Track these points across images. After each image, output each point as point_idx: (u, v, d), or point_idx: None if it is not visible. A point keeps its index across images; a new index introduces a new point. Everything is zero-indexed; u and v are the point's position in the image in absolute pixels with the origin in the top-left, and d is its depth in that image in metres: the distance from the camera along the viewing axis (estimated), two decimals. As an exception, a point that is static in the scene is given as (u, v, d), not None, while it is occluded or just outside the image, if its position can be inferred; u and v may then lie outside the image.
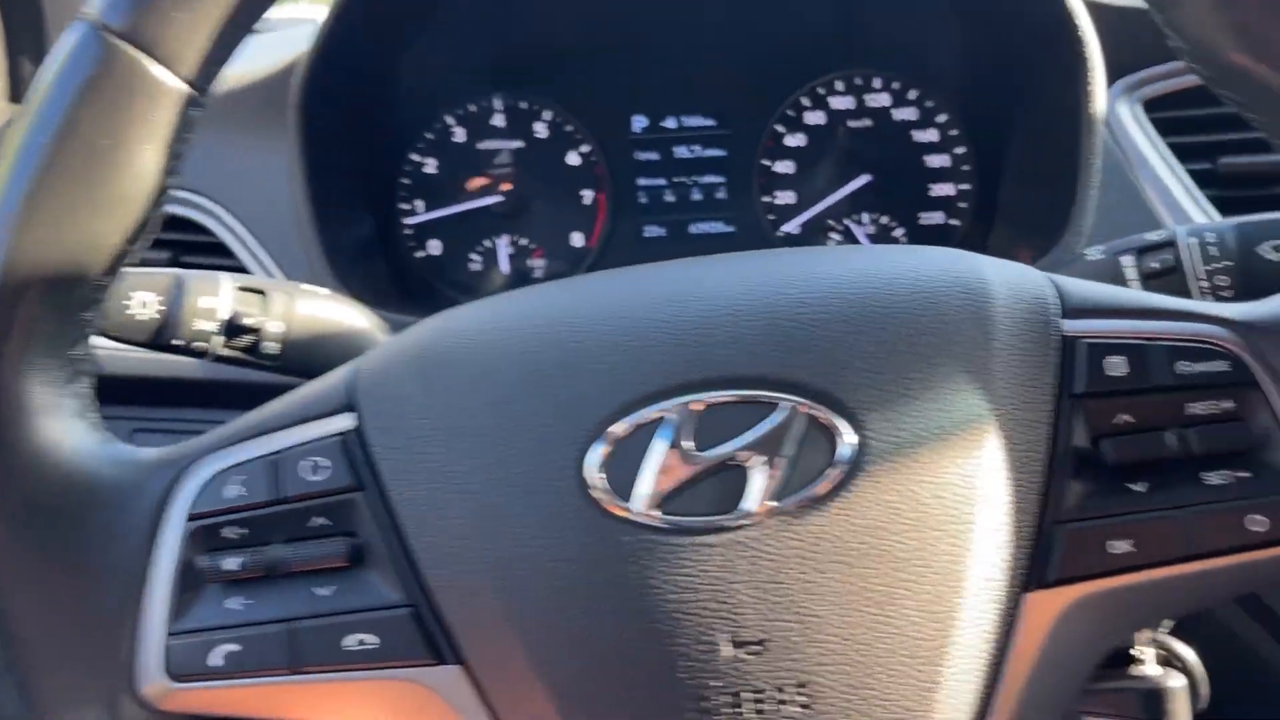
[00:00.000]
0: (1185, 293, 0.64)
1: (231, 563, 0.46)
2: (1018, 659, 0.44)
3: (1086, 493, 0.45)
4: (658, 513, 0.44)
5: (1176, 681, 0.69)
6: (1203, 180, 0.87)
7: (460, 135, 1.04)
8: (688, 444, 0.45)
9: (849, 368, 0.45)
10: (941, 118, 1.03)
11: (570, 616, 0.43)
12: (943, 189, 1.03)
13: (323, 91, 0.87)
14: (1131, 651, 0.71)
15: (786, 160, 1.05)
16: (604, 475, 0.44)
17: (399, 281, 1.02)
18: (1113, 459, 0.45)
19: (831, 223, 1.04)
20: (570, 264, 1.05)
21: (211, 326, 0.64)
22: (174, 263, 0.91)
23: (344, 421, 0.47)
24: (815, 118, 1.04)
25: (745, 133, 1.05)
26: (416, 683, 0.45)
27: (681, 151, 1.05)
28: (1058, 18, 0.84)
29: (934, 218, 1.04)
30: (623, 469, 0.44)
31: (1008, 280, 0.48)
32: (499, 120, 1.04)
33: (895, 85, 1.04)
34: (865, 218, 1.04)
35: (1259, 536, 0.45)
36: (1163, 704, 0.68)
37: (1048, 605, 0.44)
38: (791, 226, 1.05)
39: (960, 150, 1.03)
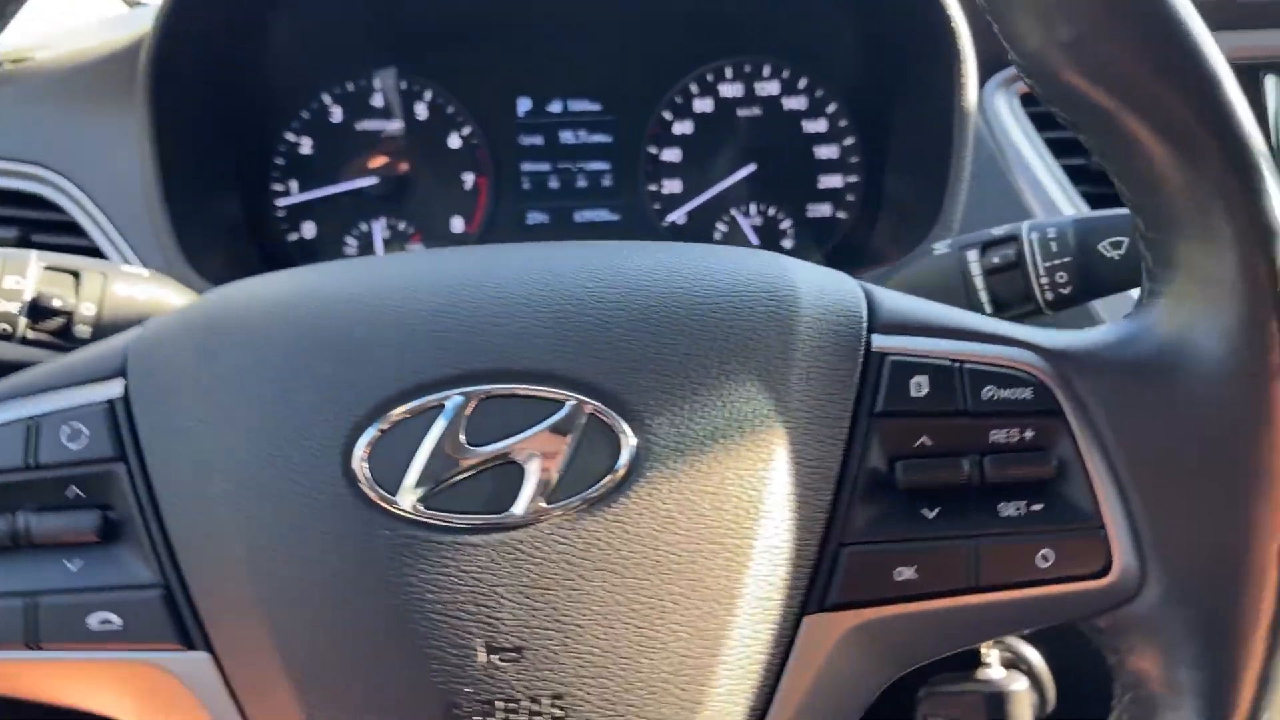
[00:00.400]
0: (1027, 288, 0.63)
1: None
2: (793, 682, 0.42)
3: (876, 516, 0.44)
4: (423, 507, 0.42)
5: (1019, 685, 0.69)
6: (1077, 176, 0.86)
7: (338, 115, 1.01)
8: (463, 437, 0.42)
9: (639, 369, 0.43)
10: (831, 107, 1.01)
11: (324, 610, 0.41)
12: (830, 180, 1.02)
13: (174, 63, 0.83)
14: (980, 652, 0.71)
15: (673, 148, 1.03)
16: (370, 464, 0.42)
17: (270, 265, 0.98)
18: (905, 483, 0.44)
19: (719, 213, 1.02)
20: (450, 249, 1.02)
21: (14, 308, 0.61)
22: (22, 241, 0.87)
23: (112, 389, 0.45)
24: (704, 105, 1.02)
25: (632, 119, 1.02)
26: (160, 668, 0.43)
27: (567, 136, 1.03)
28: (930, 8, 0.82)
29: (821, 209, 1.02)
30: (392, 459, 0.42)
31: (817, 289, 0.46)
32: (378, 100, 1.01)
33: (785, 73, 1.02)
34: (752, 209, 1.02)
35: (1045, 572, 0.43)
36: (1005, 708, 0.68)
37: (827, 629, 0.43)
38: (677, 216, 1.03)
39: (849, 141, 1.01)
